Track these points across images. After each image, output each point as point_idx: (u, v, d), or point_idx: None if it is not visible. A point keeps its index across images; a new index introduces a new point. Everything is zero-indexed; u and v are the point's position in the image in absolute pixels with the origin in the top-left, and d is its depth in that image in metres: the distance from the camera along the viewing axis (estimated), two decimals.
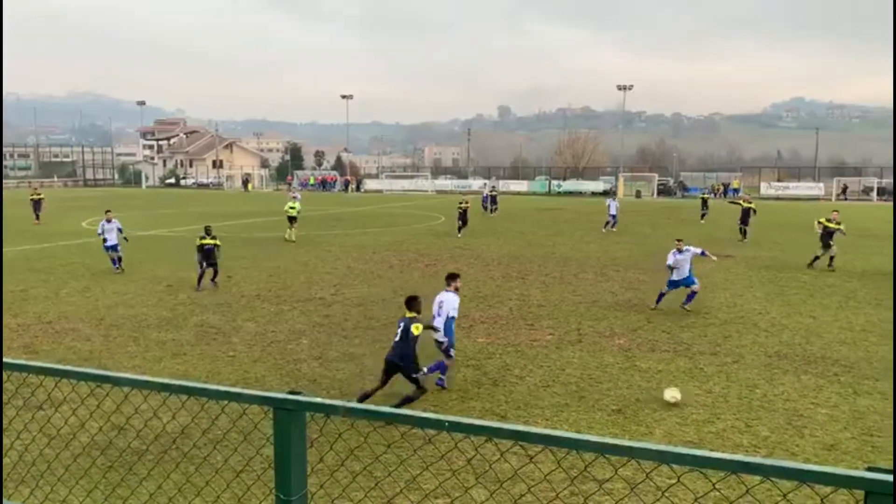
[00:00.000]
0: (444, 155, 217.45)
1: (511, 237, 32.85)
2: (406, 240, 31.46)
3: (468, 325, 14.76)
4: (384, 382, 9.88)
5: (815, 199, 71.03)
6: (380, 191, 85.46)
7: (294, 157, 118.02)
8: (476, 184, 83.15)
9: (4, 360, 3.32)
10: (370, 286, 19.70)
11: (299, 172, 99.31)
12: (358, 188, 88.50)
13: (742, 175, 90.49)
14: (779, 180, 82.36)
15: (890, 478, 2.07)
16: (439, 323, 10.77)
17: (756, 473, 2.21)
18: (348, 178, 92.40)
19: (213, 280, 19.43)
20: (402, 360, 9.73)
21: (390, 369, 9.84)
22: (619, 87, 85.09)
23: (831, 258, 22.91)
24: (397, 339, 9.89)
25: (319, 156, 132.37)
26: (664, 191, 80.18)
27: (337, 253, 26.79)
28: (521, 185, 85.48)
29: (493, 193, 50.58)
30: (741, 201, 32.53)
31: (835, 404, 10.23)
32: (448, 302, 10.86)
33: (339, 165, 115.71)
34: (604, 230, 35.69)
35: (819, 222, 23.53)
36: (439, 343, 10.82)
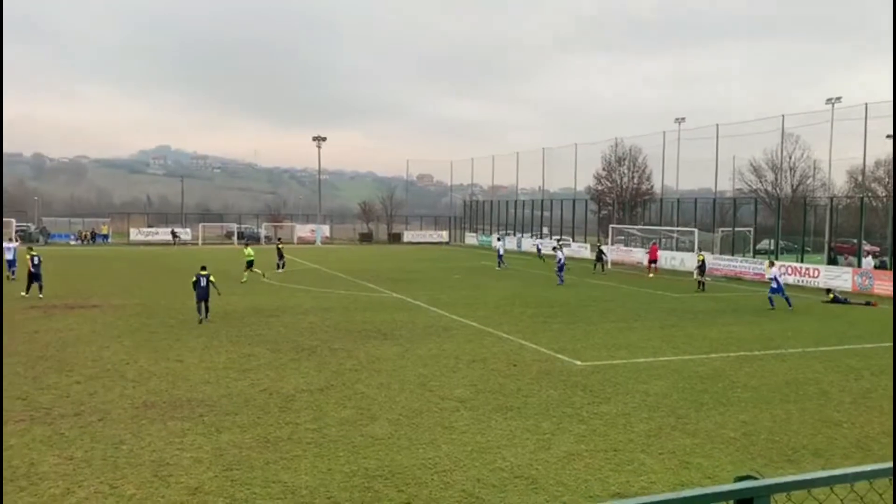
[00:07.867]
0: None
1: None
2: None
3: None
4: None
5: (185, 244, 74.40)
6: None
7: None
8: None
9: None
10: None
11: None
12: None
13: (111, 220, 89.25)
14: (149, 226, 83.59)
15: None
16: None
17: None
18: None
19: None
20: None
21: None
22: None
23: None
24: None
25: None
26: (25, 237, 73.20)
27: None
28: None
29: None
30: None
31: (199, 445, 10.58)
32: None
33: None
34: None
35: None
36: None
